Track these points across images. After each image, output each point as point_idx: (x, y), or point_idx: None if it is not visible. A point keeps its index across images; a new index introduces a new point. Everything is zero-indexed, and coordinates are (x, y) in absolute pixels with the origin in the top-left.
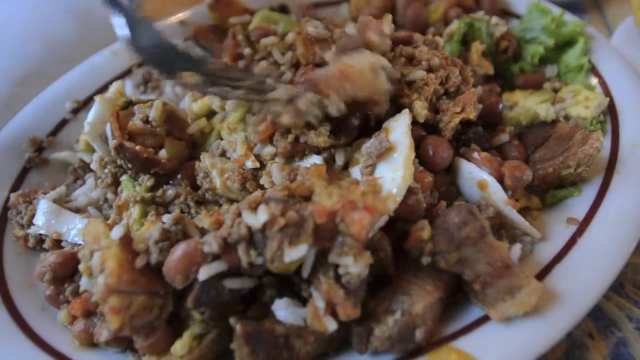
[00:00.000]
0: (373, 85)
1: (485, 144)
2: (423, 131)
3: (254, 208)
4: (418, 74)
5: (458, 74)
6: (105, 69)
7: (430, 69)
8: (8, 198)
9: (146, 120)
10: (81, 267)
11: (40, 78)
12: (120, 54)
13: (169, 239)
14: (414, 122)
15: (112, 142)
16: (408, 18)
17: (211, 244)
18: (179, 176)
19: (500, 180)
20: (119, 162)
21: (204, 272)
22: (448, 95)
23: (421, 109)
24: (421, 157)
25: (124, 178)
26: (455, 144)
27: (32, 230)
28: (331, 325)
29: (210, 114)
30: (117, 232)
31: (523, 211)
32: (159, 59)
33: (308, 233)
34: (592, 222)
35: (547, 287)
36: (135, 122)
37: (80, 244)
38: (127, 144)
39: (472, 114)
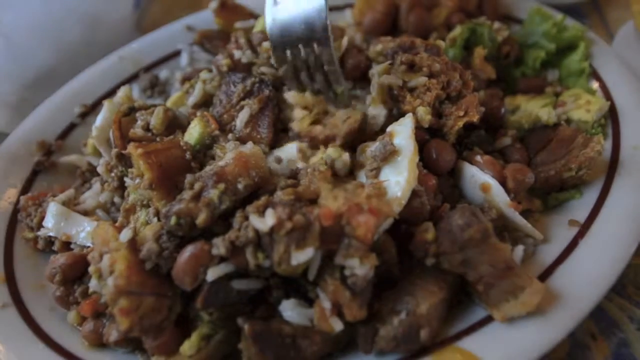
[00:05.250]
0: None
1: (488, 147)
2: (427, 135)
3: (261, 212)
4: (420, 80)
5: (459, 78)
6: (112, 74)
7: (431, 75)
8: (18, 201)
9: (147, 128)
10: (91, 269)
11: (48, 82)
12: (127, 59)
13: None
14: (418, 127)
15: (113, 151)
16: (411, 23)
17: (219, 247)
18: None
19: (503, 183)
20: (120, 168)
21: (212, 273)
22: (450, 100)
23: (425, 114)
24: (425, 160)
25: (129, 182)
26: (458, 147)
27: (41, 233)
28: (337, 326)
29: None
30: (125, 235)
31: (525, 213)
32: None
33: (314, 236)
34: (594, 224)
35: (549, 288)
36: (136, 130)
37: (89, 246)
38: (127, 153)
39: (475, 117)
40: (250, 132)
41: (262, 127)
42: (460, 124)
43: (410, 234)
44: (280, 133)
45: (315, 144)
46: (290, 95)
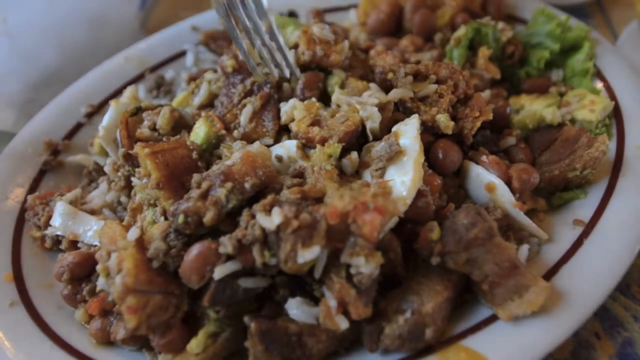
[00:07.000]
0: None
1: (493, 147)
2: (431, 136)
3: (268, 210)
4: (431, 87)
5: (462, 79)
6: (118, 74)
7: (438, 81)
8: (25, 200)
9: (153, 128)
10: (99, 267)
11: (54, 82)
12: (133, 59)
13: None
14: (426, 129)
15: (120, 151)
16: (415, 23)
17: (226, 245)
18: None
19: (508, 182)
20: (127, 168)
21: (219, 271)
22: (459, 102)
23: (447, 121)
24: (431, 160)
25: (136, 182)
26: (464, 148)
27: (49, 232)
28: (343, 324)
29: None
30: (133, 234)
31: (530, 213)
32: None
33: (321, 234)
34: (598, 224)
35: (554, 288)
36: (143, 130)
37: (96, 245)
38: (134, 153)
39: (490, 115)
40: (255, 126)
41: (267, 120)
42: (478, 124)
43: (416, 233)
44: (282, 131)
45: (311, 144)
46: (286, 108)
